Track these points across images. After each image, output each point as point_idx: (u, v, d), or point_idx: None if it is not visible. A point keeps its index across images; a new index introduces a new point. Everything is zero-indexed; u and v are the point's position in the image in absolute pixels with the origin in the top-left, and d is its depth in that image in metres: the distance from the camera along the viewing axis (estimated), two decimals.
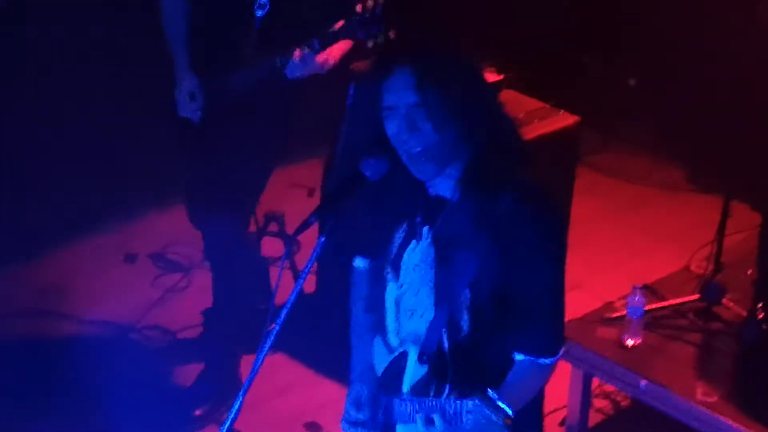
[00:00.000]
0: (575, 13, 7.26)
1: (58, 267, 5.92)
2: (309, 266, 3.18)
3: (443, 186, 3.22)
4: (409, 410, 3.22)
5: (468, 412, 3.00)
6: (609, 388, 5.19)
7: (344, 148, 5.30)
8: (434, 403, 3.11)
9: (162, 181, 5.97)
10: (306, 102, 4.93)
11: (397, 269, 3.31)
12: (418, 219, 3.28)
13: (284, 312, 3.14)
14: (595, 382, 5.04)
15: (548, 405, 4.93)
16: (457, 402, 3.03)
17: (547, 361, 3.23)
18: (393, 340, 3.36)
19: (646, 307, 4.85)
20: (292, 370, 5.38)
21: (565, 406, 5.00)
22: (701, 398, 4.57)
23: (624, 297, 4.89)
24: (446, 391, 3.20)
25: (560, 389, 4.92)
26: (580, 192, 5.52)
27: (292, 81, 4.69)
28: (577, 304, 4.75)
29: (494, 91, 3.33)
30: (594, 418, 5.13)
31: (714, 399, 4.57)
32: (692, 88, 6.76)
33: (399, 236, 3.32)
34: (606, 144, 7.20)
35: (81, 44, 6.18)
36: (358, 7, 4.48)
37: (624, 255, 6.27)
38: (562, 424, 5.05)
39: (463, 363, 3.22)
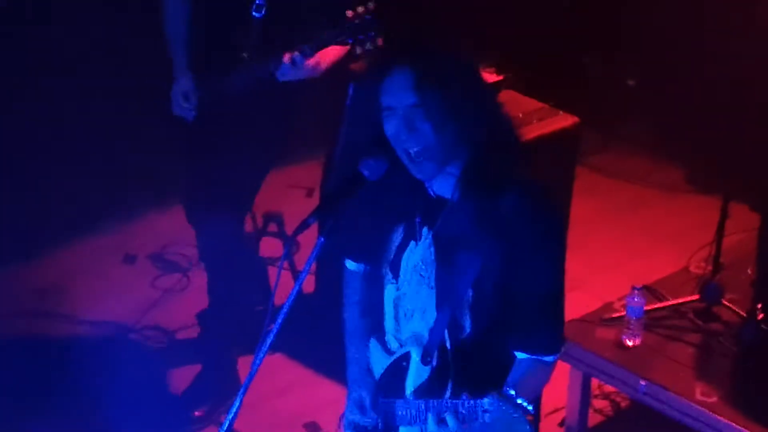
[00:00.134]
0: (575, 13, 7.25)
1: (58, 267, 5.92)
2: (308, 266, 3.18)
3: (443, 186, 3.23)
4: (415, 412, 3.22)
5: (485, 411, 2.99)
6: (608, 388, 5.18)
7: (343, 149, 5.31)
8: (445, 402, 3.11)
9: (162, 181, 5.98)
10: (305, 102, 4.94)
11: (395, 270, 3.32)
12: (418, 219, 3.28)
13: (283, 312, 3.14)
14: (595, 382, 5.04)
15: (548, 405, 4.94)
16: (471, 401, 3.03)
17: (549, 358, 3.24)
18: (391, 341, 3.36)
19: (646, 308, 4.85)
20: (291, 370, 5.38)
21: (564, 407, 5.00)
22: (701, 398, 4.57)
23: (623, 297, 4.89)
24: (448, 390, 3.21)
25: (559, 390, 4.92)
26: (580, 192, 5.51)
27: (288, 83, 4.70)
28: (576, 305, 4.74)
29: (493, 91, 3.34)
30: (593, 419, 5.12)
31: (713, 399, 4.57)
32: (692, 88, 6.75)
33: (397, 237, 3.32)
34: (606, 144, 7.19)
35: (81, 44, 6.18)
36: (349, 13, 4.49)
37: (623, 255, 6.26)
38: (561, 424, 5.04)
39: (465, 362, 3.23)
